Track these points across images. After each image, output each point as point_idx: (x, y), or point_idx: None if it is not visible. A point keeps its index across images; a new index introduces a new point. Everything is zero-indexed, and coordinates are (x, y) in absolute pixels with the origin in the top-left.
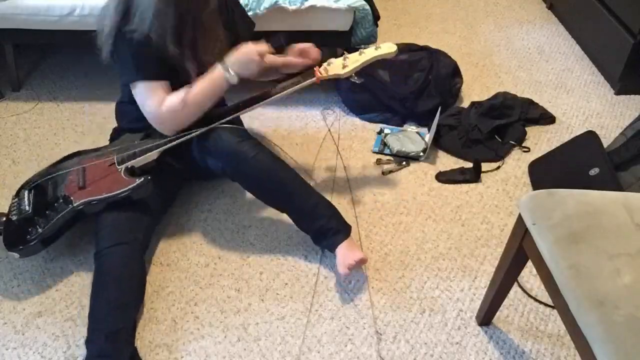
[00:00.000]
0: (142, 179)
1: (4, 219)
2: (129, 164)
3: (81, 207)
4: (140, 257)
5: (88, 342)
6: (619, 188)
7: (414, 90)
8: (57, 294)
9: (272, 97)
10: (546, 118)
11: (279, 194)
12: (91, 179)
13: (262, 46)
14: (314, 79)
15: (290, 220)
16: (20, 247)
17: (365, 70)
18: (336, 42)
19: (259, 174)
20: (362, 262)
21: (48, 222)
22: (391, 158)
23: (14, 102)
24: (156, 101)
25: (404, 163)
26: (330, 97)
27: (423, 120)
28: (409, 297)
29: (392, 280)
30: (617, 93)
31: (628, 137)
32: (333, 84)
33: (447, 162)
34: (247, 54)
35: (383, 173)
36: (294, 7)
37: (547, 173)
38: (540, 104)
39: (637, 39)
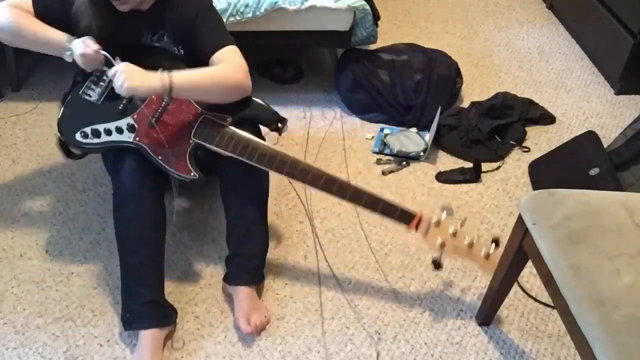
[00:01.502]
0: (197, 176)
1: (78, 78)
2: (203, 142)
3: (137, 147)
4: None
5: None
6: (619, 188)
7: (419, 102)
8: (57, 294)
9: (355, 204)
10: (546, 118)
11: (240, 196)
12: (164, 125)
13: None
14: (407, 225)
15: (289, 221)
16: (72, 142)
17: (366, 71)
18: (336, 42)
19: (244, 173)
20: (259, 328)
21: (102, 137)
22: (391, 158)
23: (14, 102)
24: (13, 3)
25: (404, 163)
26: (330, 97)
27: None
28: (409, 297)
29: (392, 280)
30: (617, 93)
31: (628, 137)
32: (333, 83)
33: (447, 162)
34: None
35: (383, 173)
36: (294, 7)
37: (547, 173)
38: (540, 104)
39: (637, 39)
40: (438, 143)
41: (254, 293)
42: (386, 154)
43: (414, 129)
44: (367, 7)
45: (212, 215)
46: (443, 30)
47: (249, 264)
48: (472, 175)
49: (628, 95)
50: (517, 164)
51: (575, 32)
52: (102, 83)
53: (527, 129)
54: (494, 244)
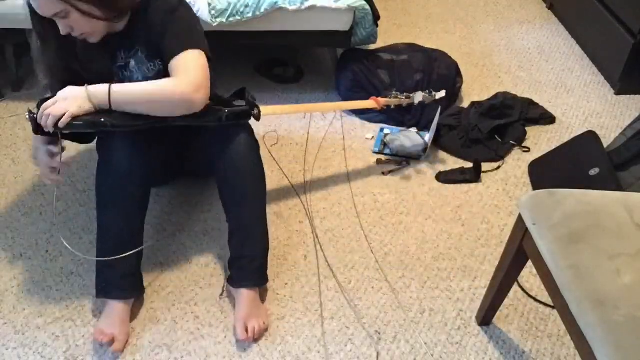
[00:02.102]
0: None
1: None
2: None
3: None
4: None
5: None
6: (619, 188)
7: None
8: (57, 294)
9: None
10: (546, 118)
11: (236, 195)
12: None
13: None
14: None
15: (289, 221)
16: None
17: (366, 71)
18: (336, 42)
19: (237, 168)
20: (259, 332)
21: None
22: (391, 158)
23: (14, 102)
24: None
25: (404, 163)
26: (330, 97)
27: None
28: (409, 297)
29: (392, 280)
30: (617, 93)
31: (628, 137)
32: (333, 83)
33: (447, 162)
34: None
35: (383, 173)
36: (293, 7)
37: (547, 173)
38: (540, 104)
39: (637, 39)
40: (438, 143)
41: (256, 296)
42: (386, 154)
43: (414, 129)
44: (367, 7)
45: (212, 215)
46: (443, 30)
47: (250, 266)
48: (472, 175)
49: (628, 95)
50: (517, 164)
51: (575, 32)
52: None
53: (527, 129)
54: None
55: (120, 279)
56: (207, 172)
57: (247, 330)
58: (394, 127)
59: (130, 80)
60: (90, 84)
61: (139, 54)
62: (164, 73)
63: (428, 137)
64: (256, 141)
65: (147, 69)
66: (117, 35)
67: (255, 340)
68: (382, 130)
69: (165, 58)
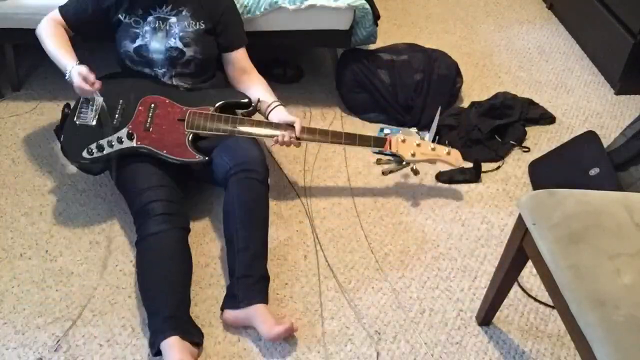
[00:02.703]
0: (201, 158)
1: (67, 111)
2: (196, 132)
3: (141, 149)
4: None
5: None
6: (619, 188)
7: (419, 102)
8: (57, 294)
9: (334, 143)
10: (546, 118)
11: (241, 220)
12: (158, 126)
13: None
14: (382, 147)
15: (289, 221)
16: (76, 159)
17: (366, 71)
18: (336, 42)
19: (245, 196)
20: (289, 330)
21: (106, 149)
22: (391, 158)
23: (14, 102)
24: (50, 17)
25: (404, 163)
26: (330, 97)
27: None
28: (409, 297)
29: (392, 280)
30: (617, 93)
31: (628, 137)
32: (333, 83)
33: None
34: (78, 80)
35: (383, 173)
36: (293, 7)
37: (547, 173)
38: (540, 104)
39: (637, 39)
40: (438, 143)
41: (266, 308)
42: (386, 154)
43: (414, 129)
44: (367, 6)
45: (212, 215)
46: (443, 30)
47: (259, 284)
48: (472, 175)
49: (628, 95)
50: (517, 164)
51: (575, 32)
52: (91, 106)
53: (527, 129)
54: (445, 144)
55: (164, 322)
56: (210, 180)
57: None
58: (394, 127)
59: (167, 32)
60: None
61: (184, 12)
62: (203, 36)
63: (428, 137)
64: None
65: (188, 24)
66: None
67: (291, 333)
68: (382, 130)
69: (230, 41)
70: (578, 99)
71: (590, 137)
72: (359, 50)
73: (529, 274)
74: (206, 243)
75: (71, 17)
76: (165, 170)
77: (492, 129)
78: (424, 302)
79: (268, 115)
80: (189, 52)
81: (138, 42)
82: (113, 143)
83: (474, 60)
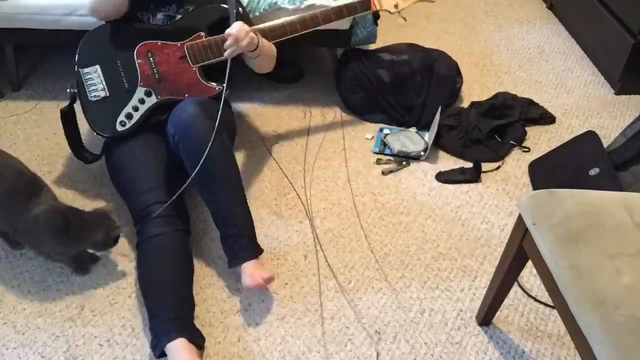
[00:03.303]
0: (220, 87)
1: (74, 91)
2: (203, 64)
3: (164, 102)
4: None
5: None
6: (619, 188)
7: (419, 102)
8: (57, 294)
9: (323, 23)
10: (546, 118)
11: (208, 180)
12: (165, 73)
13: None
14: (369, 10)
15: (289, 221)
16: (116, 134)
17: (366, 71)
18: (336, 42)
19: (198, 152)
20: (269, 280)
21: (134, 115)
22: (391, 158)
23: (14, 102)
24: None
25: (404, 163)
26: (330, 97)
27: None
28: (409, 297)
29: (392, 280)
30: (617, 93)
31: (628, 137)
32: (333, 83)
33: (447, 162)
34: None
35: (383, 173)
36: (292, 7)
37: (547, 173)
38: (540, 104)
39: (637, 39)
40: (438, 143)
41: (257, 263)
42: (386, 154)
43: (413, 129)
44: None
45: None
46: (443, 30)
47: (238, 243)
48: (472, 175)
49: (628, 95)
50: (517, 164)
51: (575, 32)
52: (94, 79)
53: (527, 129)
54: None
55: (168, 323)
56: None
57: (253, 279)
58: (394, 127)
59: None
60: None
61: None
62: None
63: (428, 137)
64: (209, 111)
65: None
66: None
67: (264, 285)
68: (381, 130)
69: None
70: (578, 99)
71: (590, 137)
72: (359, 50)
73: (529, 274)
74: (206, 243)
75: None
76: (164, 166)
77: (492, 129)
78: (424, 302)
79: None
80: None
81: None
82: (138, 106)
83: (474, 60)
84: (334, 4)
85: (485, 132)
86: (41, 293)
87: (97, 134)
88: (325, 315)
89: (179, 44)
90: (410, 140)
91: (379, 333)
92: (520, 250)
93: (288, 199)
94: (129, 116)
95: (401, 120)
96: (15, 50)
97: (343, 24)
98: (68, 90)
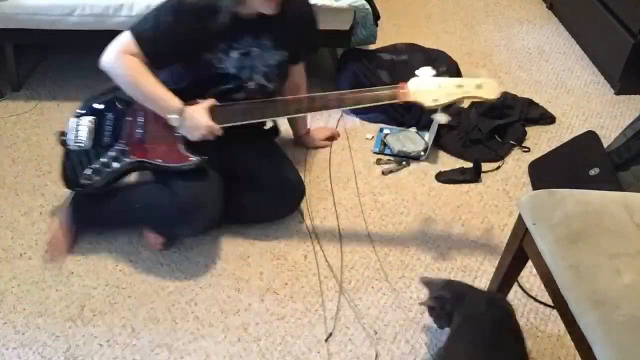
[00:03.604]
0: (197, 159)
1: (62, 137)
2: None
3: (137, 164)
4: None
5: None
6: (619, 188)
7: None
8: (57, 294)
9: (349, 106)
10: (546, 118)
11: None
12: (150, 137)
13: (212, 125)
14: (396, 100)
15: (290, 220)
16: (77, 187)
17: (366, 71)
18: (336, 42)
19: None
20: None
21: (103, 171)
22: (391, 158)
23: (14, 102)
24: (124, 50)
25: (404, 163)
26: None
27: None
28: (409, 297)
29: (392, 280)
30: (617, 93)
31: (628, 137)
32: (333, 83)
33: (447, 162)
34: (197, 123)
35: (383, 173)
36: None
37: (547, 173)
38: (540, 104)
39: (637, 39)
40: (438, 143)
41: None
42: (386, 154)
43: (413, 129)
44: (368, 6)
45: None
46: (443, 30)
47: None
48: (472, 175)
49: (628, 95)
50: (517, 164)
51: (575, 32)
52: (82, 126)
53: (527, 129)
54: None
55: None
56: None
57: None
58: (394, 127)
59: (252, 66)
60: (190, 67)
61: (265, 40)
62: (285, 66)
63: (428, 136)
64: None
65: (270, 57)
66: (254, 18)
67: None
68: (381, 130)
69: (297, 60)
70: (578, 99)
71: (590, 137)
72: (359, 50)
73: (529, 274)
74: (206, 243)
75: (153, 55)
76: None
77: (492, 129)
78: None
79: (307, 134)
80: (270, 86)
81: (220, 86)
82: (110, 163)
83: (474, 60)
84: (335, 5)
85: (485, 132)
86: (41, 293)
87: (63, 183)
88: (325, 315)
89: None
90: (410, 140)
91: (376, 332)
92: (520, 250)
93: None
94: (97, 172)
95: (401, 120)
96: (15, 50)
97: (343, 24)
98: (55, 133)
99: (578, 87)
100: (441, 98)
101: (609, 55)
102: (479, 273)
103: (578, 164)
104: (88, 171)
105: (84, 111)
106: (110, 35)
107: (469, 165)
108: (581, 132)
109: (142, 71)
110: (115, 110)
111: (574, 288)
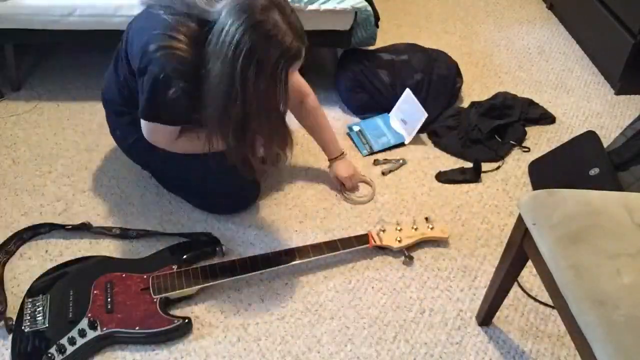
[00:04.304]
0: (180, 321)
1: (12, 323)
2: (165, 295)
3: (108, 335)
4: None
5: None
6: (619, 188)
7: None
8: None
9: (319, 257)
10: (546, 118)
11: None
12: (121, 304)
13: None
14: (367, 245)
15: (290, 221)
16: None
17: (366, 71)
18: (336, 42)
19: None
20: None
21: (68, 349)
22: (388, 157)
23: (14, 102)
24: (169, 140)
25: (400, 161)
26: (330, 97)
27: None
28: (409, 297)
29: (392, 280)
30: (617, 93)
31: (628, 137)
32: (333, 83)
33: (447, 162)
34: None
35: (383, 173)
36: (295, 6)
37: (547, 173)
38: (540, 104)
39: (637, 39)
40: (438, 143)
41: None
42: (376, 151)
43: (378, 117)
44: (369, 8)
45: (212, 215)
46: (443, 30)
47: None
48: (472, 175)
49: (628, 95)
50: (517, 164)
51: (575, 32)
52: (37, 307)
53: (527, 129)
54: (425, 219)
55: None
56: None
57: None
58: (358, 121)
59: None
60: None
61: None
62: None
63: (405, 135)
64: None
65: None
66: None
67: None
68: (351, 129)
69: None
70: (578, 99)
71: (590, 137)
72: (359, 50)
73: (529, 274)
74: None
75: (180, 122)
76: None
77: (492, 129)
78: (424, 302)
79: (332, 162)
80: None
81: None
82: (75, 339)
83: (474, 60)
84: (338, 7)
85: (485, 132)
86: None
87: None
88: (325, 315)
89: (144, 276)
90: (382, 132)
91: (379, 332)
92: (520, 250)
93: (288, 199)
94: (61, 349)
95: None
96: (15, 50)
97: (344, 25)
98: (6, 322)
99: (578, 87)
100: (404, 241)
101: (609, 55)
102: (479, 273)
103: (578, 164)
104: (52, 350)
105: (35, 292)
106: (110, 35)
107: (469, 165)
108: (581, 132)
109: (189, 139)
110: (77, 285)
111: (574, 288)
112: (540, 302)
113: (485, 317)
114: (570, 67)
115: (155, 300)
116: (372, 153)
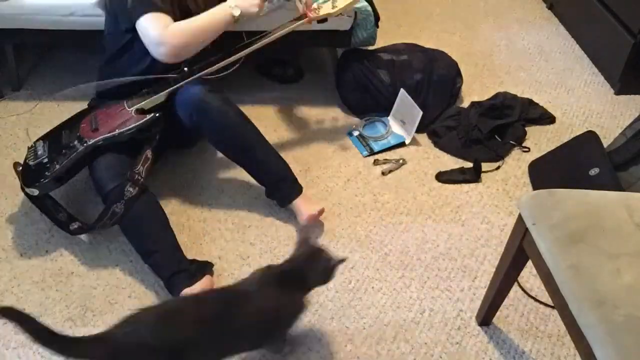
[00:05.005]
0: (152, 114)
1: (20, 167)
2: (139, 105)
3: (94, 145)
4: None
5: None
6: (619, 188)
7: (419, 102)
8: (57, 294)
9: (266, 40)
10: (546, 118)
11: (239, 147)
12: (103, 121)
13: None
14: (304, 19)
15: (291, 220)
16: (36, 183)
17: (366, 71)
18: (336, 42)
19: (222, 126)
20: (321, 212)
21: (64, 160)
22: (388, 158)
23: (14, 102)
24: (161, 25)
25: (400, 161)
26: (330, 97)
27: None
28: (409, 297)
29: (392, 280)
30: (617, 93)
31: (628, 137)
32: (333, 83)
33: (447, 162)
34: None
35: (383, 173)
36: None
37: (547, 173)
38: (540, 104)
39: (637, 39)
40: (438, 143)
41: (305, 198)
42: (376, 152)
43: (377, 119)
44: (369, 8)
45: (212, 215)
46: (443, 30)
47: (283, 186)
48: (472, 175)
49: (628, 95)
50: (517, 164)
51: (575, 32)
52: (38, 148)
53: (527, 129)
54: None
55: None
56: (186, 134)
57: (308, 219)
58: (358, 125)
59: None
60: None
61: None
62: None
63: (390, 117)
64: (220, 91)
65: None
66: None
67: (316, 216)
68: (350, 135)
69: None
70: (578, 99)
71: (590, 137)
72: (359, 50)
73: (529, 274)
74: (206, 243)
75: (172, 7)
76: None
77: (492, 129)
78: (424, 302)
79: None
80: None
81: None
82: (67, 152)
83: (474, 60)
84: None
85: (485, 132)
86: (41, 293)
87: (26, 192)
88: (325, 315)
89: (123, 101)
90: (381, 133)
91: (379, 332)
92: (520, 250)
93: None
94: (56, 160)
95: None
96: (15, 50)
97: (344, 24)
98: (15, 167)
99: (578, 87)
100: (340, 4)
101: (609, 55)
102: (479, 273)
103: (578, 164)
104: (50, 164)
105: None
106: None
107: (469, 165)
108: (581, 132)
109: (187, 24)
110: (67, 128)
111: (573, 288)
112: (540, 302)
113: (485, 317)
114: (570, 67)
115: (130, 110)
116: (372, 153)
